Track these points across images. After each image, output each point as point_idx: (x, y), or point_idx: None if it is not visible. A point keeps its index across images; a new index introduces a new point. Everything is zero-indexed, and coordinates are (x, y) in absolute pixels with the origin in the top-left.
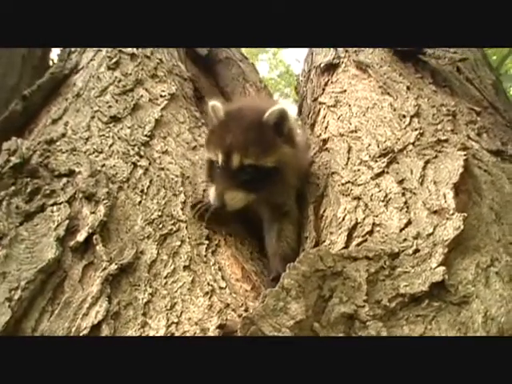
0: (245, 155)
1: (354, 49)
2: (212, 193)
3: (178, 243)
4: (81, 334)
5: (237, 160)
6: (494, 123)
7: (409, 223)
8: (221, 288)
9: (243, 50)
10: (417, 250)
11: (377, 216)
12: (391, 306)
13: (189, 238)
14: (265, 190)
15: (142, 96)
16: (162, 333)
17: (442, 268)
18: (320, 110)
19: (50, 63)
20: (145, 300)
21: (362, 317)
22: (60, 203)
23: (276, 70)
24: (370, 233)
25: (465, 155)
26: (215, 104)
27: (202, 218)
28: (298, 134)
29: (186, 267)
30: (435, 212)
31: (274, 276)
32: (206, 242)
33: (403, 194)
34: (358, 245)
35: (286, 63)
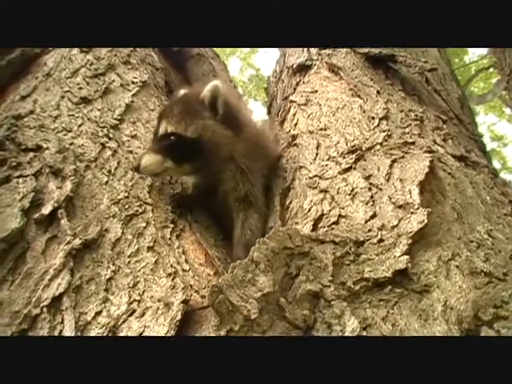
0: (169, 123)
1: (327, 52)
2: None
3: (143, 224)
4: (41, 305)
5: (163, 127)
6: (458, 133)
7: (374, 216)
8: (184, 270)
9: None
10: (381, 240)
11: (343, 208)
12: (355, 288)
13: (154, 220)
14: (191, 164)
15: (113, 81)
16: (123, 309)
17: (406, 257)
18: (290, 107)
19: None
20: (107, 276)
21: (327, 296)
22: (26, 176)
23: (247, 72)
24: (336, 223)
25: (430, 157)
26: (181, 90)
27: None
28: (248, 118)
29: (149, 248)
30: (400, 206)
31: None
32: (171, 225)
33: (369, 189)
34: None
35: (257, 67)
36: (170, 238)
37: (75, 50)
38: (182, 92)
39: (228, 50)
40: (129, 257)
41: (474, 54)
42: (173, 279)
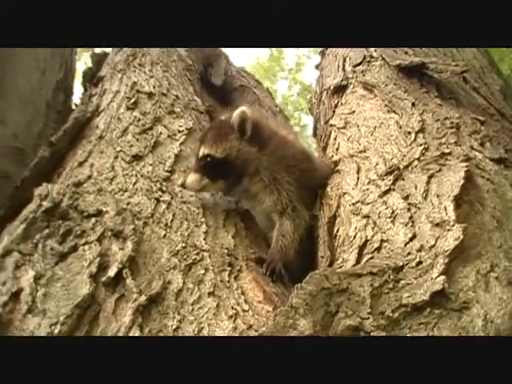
0: (205, 147)
1: (361, 69)
2: None
3: (202, 271)
4: None
5: (201, 151)
6: (499, 130)
7: (413, 237)
8: (244, 311)
9: (257, 73)
10: (420, 262)
11: (384, 232)
12: (394, 316)
13: (212, 265)
14: (224, 180)
15: (161, 133)
16: None
17: (442, 277)
18: (331, 132)
19: (73, 106)
20: (174, 327)
21: (366, 328)
22: (91, 242)
23: (295, 87)
24: (379, 249)
25: (467, 167)
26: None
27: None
28: (280, 134)
29: (210, 293)
30: (437, 224)
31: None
32: (229, 268)
33: (408, 210)
34: (368, 261)
35: (304, 82)
36: (228, 281)
37: (122, 109)
38: (219, 119)
39: (275, 68)
40: (192, 304)
41: None
42: (234, 320)
